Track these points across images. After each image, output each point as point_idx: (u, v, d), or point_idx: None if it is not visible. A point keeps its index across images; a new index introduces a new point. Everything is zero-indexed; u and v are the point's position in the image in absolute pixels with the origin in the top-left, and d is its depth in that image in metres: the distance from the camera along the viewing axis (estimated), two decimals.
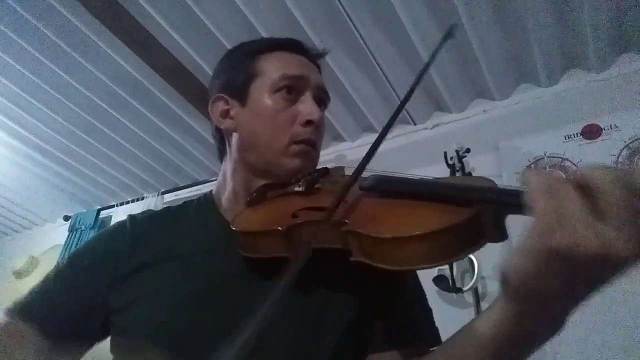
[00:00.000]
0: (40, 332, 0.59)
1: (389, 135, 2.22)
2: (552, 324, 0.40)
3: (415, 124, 2.16)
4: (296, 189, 0.64)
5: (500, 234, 0.44)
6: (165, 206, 0.77)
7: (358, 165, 0.53)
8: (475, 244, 0.42)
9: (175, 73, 2.01)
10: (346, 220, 0.48)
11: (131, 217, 0.71)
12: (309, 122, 0.67)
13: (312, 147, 0.69)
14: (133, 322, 0.59)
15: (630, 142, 1.58)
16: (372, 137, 2.25)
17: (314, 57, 0.76)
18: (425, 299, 0.70)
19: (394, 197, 0.51)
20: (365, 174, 0.55)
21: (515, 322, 0.40)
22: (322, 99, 0.73)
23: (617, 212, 0.32)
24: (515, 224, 0.41)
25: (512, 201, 0.37)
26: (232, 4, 1.67)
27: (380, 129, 2.21)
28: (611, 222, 0.32)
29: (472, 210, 0.42)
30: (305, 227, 0.53)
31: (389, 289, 0.64)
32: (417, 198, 0.48)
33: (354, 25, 1.68)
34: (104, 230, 0.71)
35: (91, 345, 0.64)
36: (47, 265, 2.77)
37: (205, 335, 0.56)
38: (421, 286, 0.70)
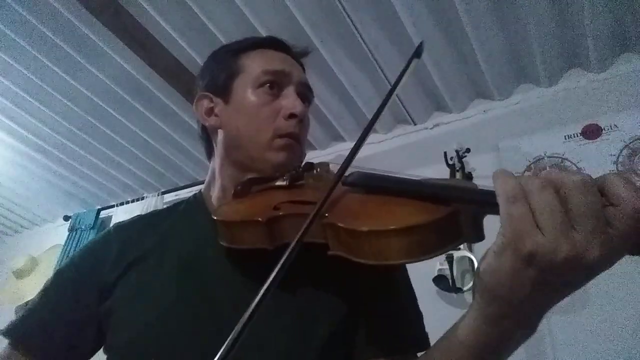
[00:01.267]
0: (28, 356, 0.59)
1: (388, 135, 2.23)
2: (526, 326, 0.41)
3: (415, 124, 2.16)
4: (280, 183, 0.64)
5: (477, 234, 0.44)
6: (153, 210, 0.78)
7: (343, 162, 0.53)
8: (451, 242, 0.43)
9: (175, 73, 2.01)
10: (326, 214, 0.49)
11: (117, 226, 0.71)
12: (292, 116, 0.67)
13: (296, 141, 0.69)
14: (118, 324, 0.59)
15: (630, 142, 1.58)
16: (372, 137, 2.25)
17: (297, 55, 0.76)
18: (416, 302, 0.69)
19: (375, 194, 0.51)
20: (350, 170, 0.55)
21: (491, 324, 0.41)
22: (305, 96, 0.73)
23: (586, 218, 0.32)
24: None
25: (489, 201, 0.38)
26: (232, 4, 1.67)
27: (379, 129, 2.21)
28: (580, 228, 0.32)
29: (449, 208, 0.42)
30: (286, 219, 0.53)
31: (379, 292, 0.63)
32: (397, 195, 0.48)
33: (353, 24, 1.68)
34: (90, 243, 0.71)
35: (87, 357, 0.64)
36: (47, 265, 2.78)
37: (189, 334, 0.56)
38: (412, 289, 0.69)
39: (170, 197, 2.83)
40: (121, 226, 0.71)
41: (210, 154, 0.77)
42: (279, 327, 0.57)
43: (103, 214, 3.08)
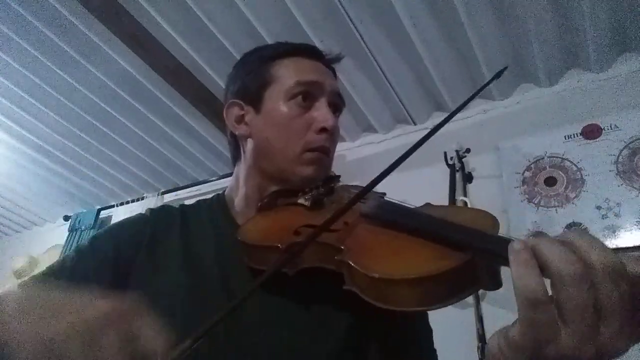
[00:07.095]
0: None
1: (388, 135, 2.21)
2: None
3: (415, 124, 2.16)
4: (301, 201, 0.64)
5: (494, 283, 0.43)
6: (181, 203, 0.77)
7: (363, 188, 0.52)
8: (466, 290, 0.41)
9: (175, 73, 2.01)
10: (342, 247, 0.49)
11: (151, 211, 0.72)
12: (323, 130, 0.67)
13: (325, 155, 0.69)
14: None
15: (630, 142, 1.58)
16: (372, 137, 2.25)
17: (329, 62, 0.76)
18: (427, 317, 0.69)
19: (393, 229, 0.51)
20: (371, 194, 0.55)
21: None
22: (337, 105, 0.73)
23: (617, 313, 0.30)
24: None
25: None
26: (232, 4, 1.67)
27: (379, 129, 2.19)
28: (610, 323, 0.30)
29: (467, 256, 0.41)
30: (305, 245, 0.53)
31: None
32: (415, 234, 0.47)
33: (354, 25, 1.68)
34: (127, 220, 0.72)
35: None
36: (46, 265, 2.78)
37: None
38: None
39: (170, 197, 2.83)
40: (156, 214, 0.71)
41: (236, 159, 0.77)
42: (290, 338, 0.57)
43: (103, 214, 3.08)
